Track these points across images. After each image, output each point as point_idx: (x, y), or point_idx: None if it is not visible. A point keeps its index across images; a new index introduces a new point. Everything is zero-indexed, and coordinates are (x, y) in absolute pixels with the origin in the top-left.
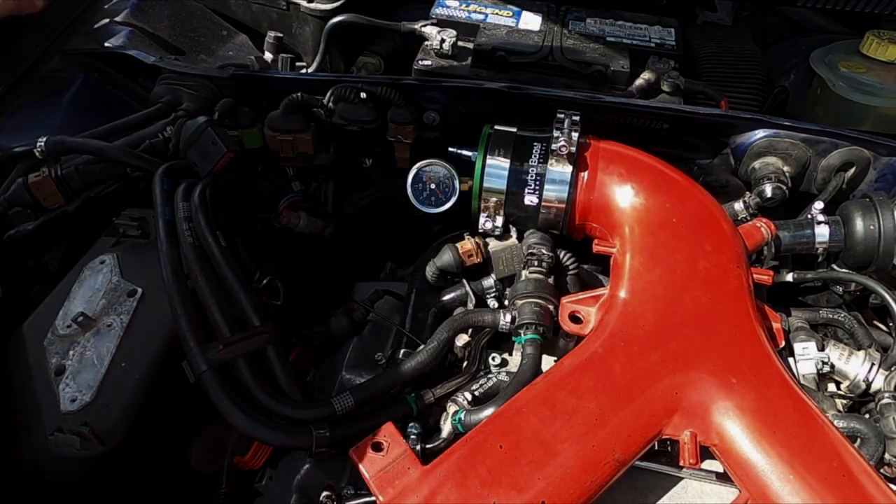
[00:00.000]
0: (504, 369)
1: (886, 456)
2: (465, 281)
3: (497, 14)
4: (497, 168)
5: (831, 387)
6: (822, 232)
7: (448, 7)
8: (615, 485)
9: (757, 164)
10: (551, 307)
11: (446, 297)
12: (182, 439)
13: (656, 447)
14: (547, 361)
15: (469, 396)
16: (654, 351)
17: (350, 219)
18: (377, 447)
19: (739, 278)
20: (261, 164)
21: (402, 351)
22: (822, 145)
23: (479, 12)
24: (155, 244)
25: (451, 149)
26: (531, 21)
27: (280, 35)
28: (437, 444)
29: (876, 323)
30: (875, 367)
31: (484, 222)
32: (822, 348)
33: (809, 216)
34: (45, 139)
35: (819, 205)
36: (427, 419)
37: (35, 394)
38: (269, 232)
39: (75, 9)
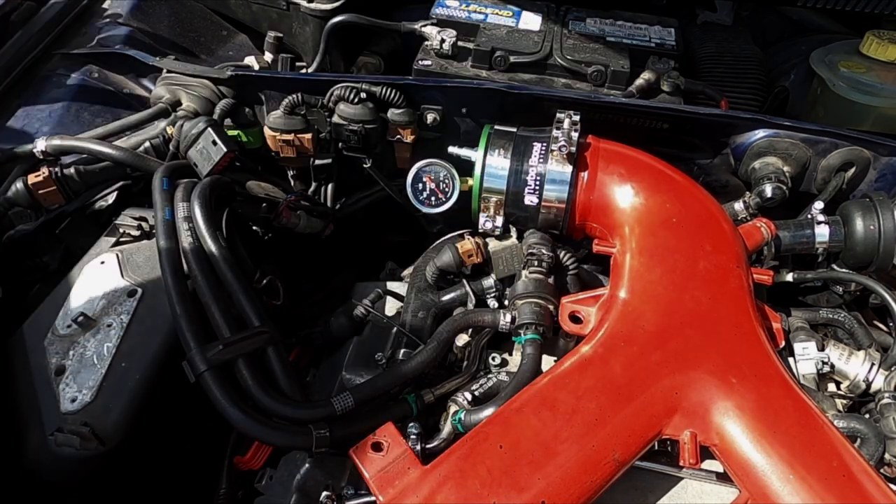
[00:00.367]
0: (504, 369)
1: (886, 456)
2: (465, 281)
3: (497, 14)
4: (497, 168)
5: (831, 387)
6: (822, 232)
7: (448, 7)
8: (615, 485)
9: (757, 164)
10: (551, 307)
11: (446, 297)
12: (182, 439)
13: (656, 447)
14: (547, 361)
15: (469, 396)
16: (654, 351)
17: (350, 219)
18: (377, 447)
19: (739, 278)
20: (261, 164)
21: (402, 351)
22: (822, 145)
23: (479, 12)
24: (155, 244)
25: (451, 149)
26: (531, 21)
27: (280, 35)
28: (437, 444)
29: (876, 323)
30: (875, 367)
31: (484, 222)
32: (822, 348)
33: (809, 216)
34: (45, 139)
35: (819, 205)
36: (427, 419)
37: (35, 394)
38: (269, 232)
39: (75, 8)
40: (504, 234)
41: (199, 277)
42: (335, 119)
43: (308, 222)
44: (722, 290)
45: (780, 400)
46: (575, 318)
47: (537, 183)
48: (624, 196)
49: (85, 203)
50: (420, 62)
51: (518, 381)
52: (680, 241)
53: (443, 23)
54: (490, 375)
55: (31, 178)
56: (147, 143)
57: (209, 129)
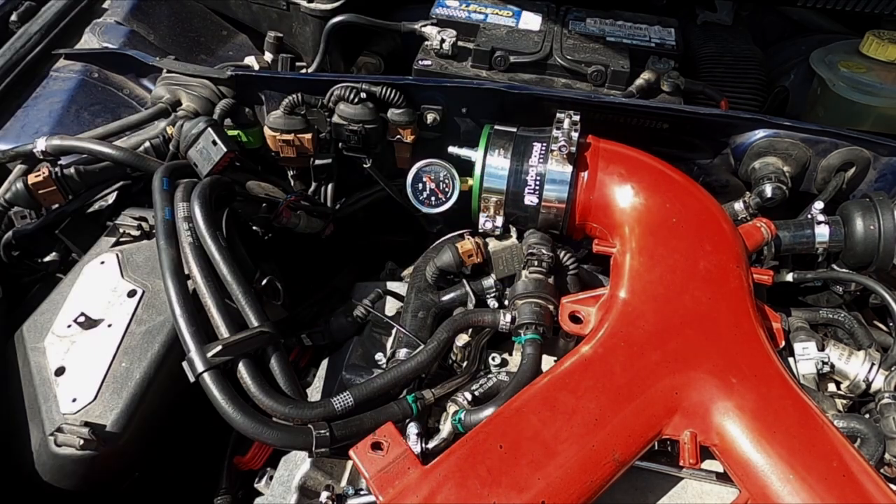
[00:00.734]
0: (504, 369)
1: (886, 456)
2: (465, 281)
3: (497, 14)
4: (497, 168)
5: (831, 387)
6: (822, 232)
7: (448, 7)
8: (615, 485)
9: (757, 164)
10: (551, 307)
11: (446, 297)
12: (182, 439)
13: (656, 447)
14: (547, 361)
15: (469, 396)
16: (654, 351)
17: (350, 219)
18: (377, 447)
19: (739, 278)
20: (261, 164)
21: (402, 351)
22: (822, 145)
23: (479, 12)
24: (155, 244)
25: (451, 149)
26: (531, 21)
27: (280, 35)
28: (437, 444)
29: (876, 323)
30: (875, 367)
31: (484, 222)
32: (822, 348)
33: (809, 216)
34: (45, 139)
35: (819, 205)
36: (427, 419)
37: (35, 394)
38: (269, 232)
39: (75, 8)
40: (504, 234)
41: (199, 277)
42: (335, 119)
43: (308, 222)
44: (722, 290)
45: (780, 400)
46: (575, 318)
47: (537, 183)
48: (624, 196)
49: (85, 203)
50: (420, 62)
51: (518, 381)
52: (680, 241)
53: (443, 23)
54: (490, 375)
55: (31, 178)
56: (147, 143)
57: (209, 129)
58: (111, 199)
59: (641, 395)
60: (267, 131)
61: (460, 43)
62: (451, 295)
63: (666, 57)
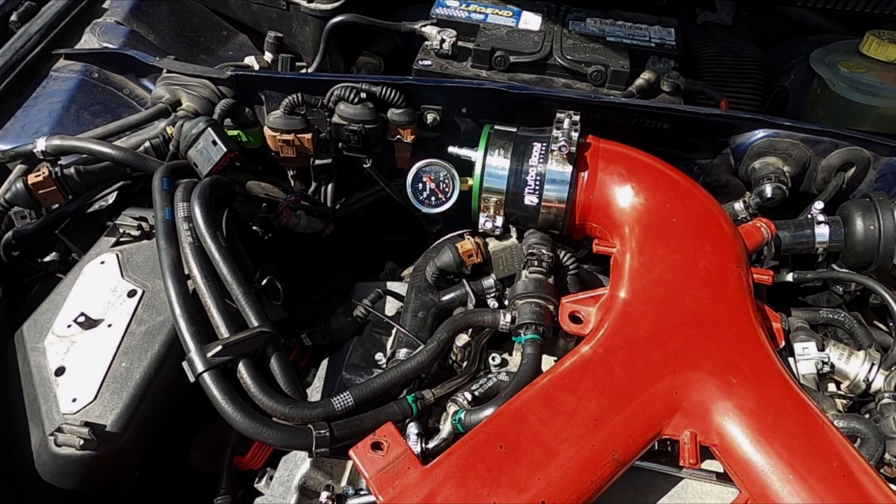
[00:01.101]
0: (504, 369)
1: (886, 456)
2: (465, 281)
3: (497, 14)
4: (497, 168)
5: (831, 387)
6: (822, 232)
7: (448, 7)
8: (615, 485)
9: (757, 164)
10: (551, 307)
11: (446, 297)
12: (182, 439)
13: (656, 447)
14: (547, 361)
15: (469, 396)
16: (653, 351)
17: (350, 219)
18: (377, 447)
19: (739, 278)
20: (261, 164)
21: (402, 351)
22: (822, 145)
23: (479, 12)
24: (155, 244)
25: (451, 149)
26: (531, 21)
27: (280, 35)
28: (437, 444)
29: (876, 323)
30: (875, 367)
31: (484, 222)
32: (822, 348)
33: (809, 216)
34: (45, 139)
35: (819, 205)
36: (427, 419)
37: (35, 394)
38: (269, 232)
39: (75, 8)
40: (504, 234)
41: (199, 277)
42: (335, 119)
43: (308, 222)
44: (722, 290)
45: (780, 400)
46: (575, 318)
47: (537, 183)
48: (624, 196)
49: (85, 203)
50: (420, 62)
51: (518, 381)
52: (680, 240)
53: (443, 23)
54: (490, 375)
55: (31, 178)
56: (147, 143)
57: (209, 129)
58: (111, 199)
59: (641, 395)
60: (267, 131)
61: (460, 43)
62: (451, 295)
63: (666, 57)
